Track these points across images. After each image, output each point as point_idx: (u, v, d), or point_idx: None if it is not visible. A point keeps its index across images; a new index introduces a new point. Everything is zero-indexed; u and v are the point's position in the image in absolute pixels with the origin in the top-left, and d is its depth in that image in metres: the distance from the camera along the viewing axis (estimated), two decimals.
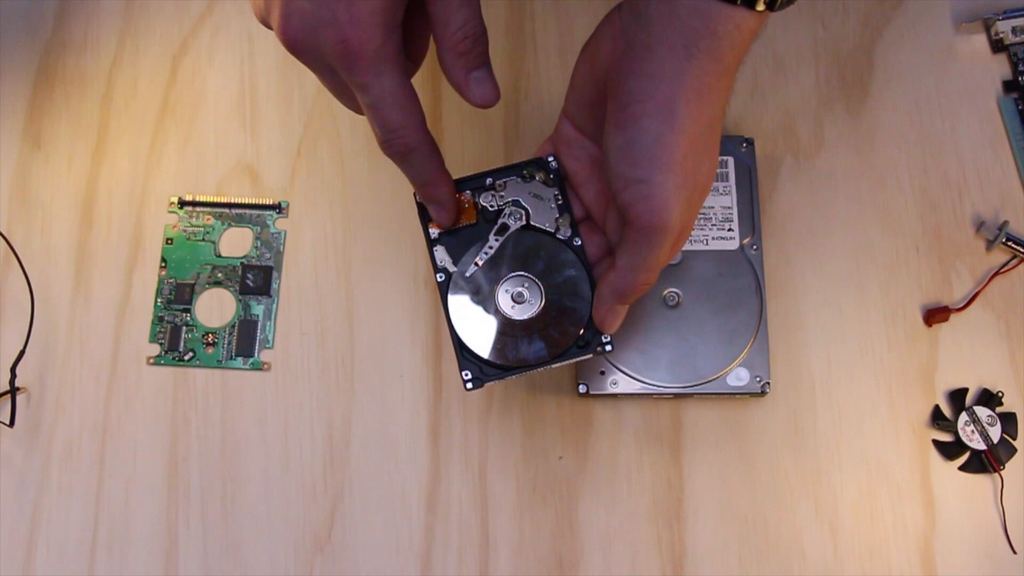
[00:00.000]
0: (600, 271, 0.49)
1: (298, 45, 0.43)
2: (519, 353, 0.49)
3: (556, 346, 0.48)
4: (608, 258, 0.49)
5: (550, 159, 0.50)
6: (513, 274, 0.49)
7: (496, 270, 0.49)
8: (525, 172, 0.50)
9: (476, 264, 0.50)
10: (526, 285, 0.49)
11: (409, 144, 0.46)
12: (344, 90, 0.46)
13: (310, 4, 0.42)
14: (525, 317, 0.49)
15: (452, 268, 0.50)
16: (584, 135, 0.49)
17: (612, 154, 0.45)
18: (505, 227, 0.50)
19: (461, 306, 0.49)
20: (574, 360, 0.49)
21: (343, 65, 0.43)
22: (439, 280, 0.49)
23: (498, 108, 0.61)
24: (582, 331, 0.48)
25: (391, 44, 0.43)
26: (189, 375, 0.58)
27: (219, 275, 0.60)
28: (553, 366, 0.49)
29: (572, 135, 0.49)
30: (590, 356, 0.49)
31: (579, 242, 0.49)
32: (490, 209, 0.50)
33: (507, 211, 0.50)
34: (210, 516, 0.55)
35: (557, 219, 0.50)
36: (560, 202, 0.50)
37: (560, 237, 0.49)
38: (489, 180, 0.50)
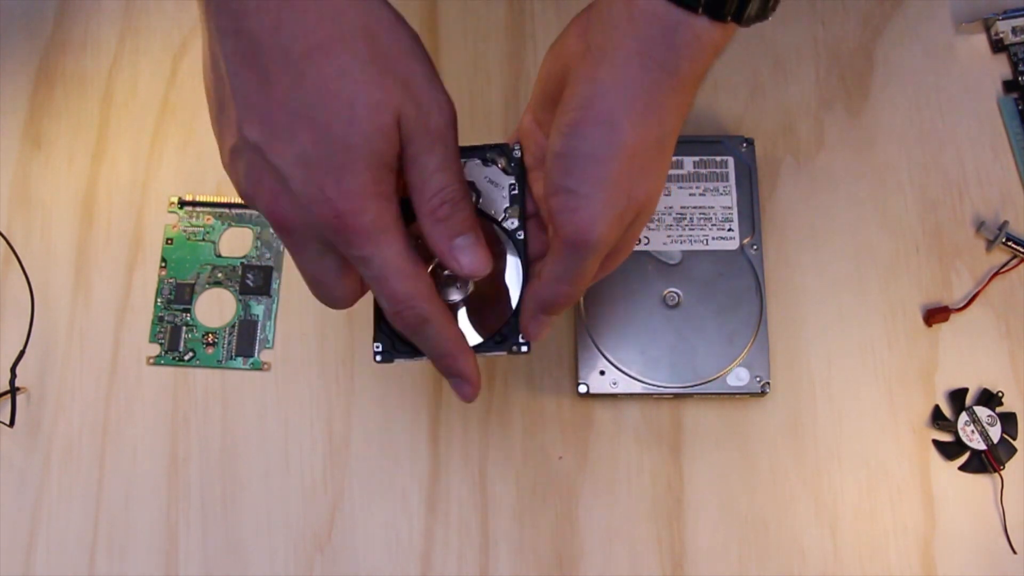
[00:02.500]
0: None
1: (289, 224, 0.41)
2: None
3: (473, 336, 0.47)
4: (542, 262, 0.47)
5: (515, 147, 0.48)
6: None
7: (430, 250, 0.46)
8: (488, 156, 0.48)
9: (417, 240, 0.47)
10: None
11: (420, 315, 0.43)
12: (336, 270, 0.43)
13: (297, 184, 0.40)
14: (449, 300, 0.47)
15: None
16: (541, 130, 0.47)
17: (549, 158, 0.42)
18: None
19: None
20: (487, 354, 0.47)
21: (341, 240, 0.41)
22: None
23: (498, 109, 0.61)
24: (502, 327, 0.47)
25: (388, 213, 0.41)
26: (189, 375, 0.58)
27: (219, 275, 0.60)
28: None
29: (531, 129, 0.48)
30: (503, 354, 0.47)
31: (522, 236, 0.47)
32: None
33: None
34: (210, 516, 0.55)
35: (506, 209, 0.47)
36: (514, 192, 0.47)
37: (505, 227, 0.47)
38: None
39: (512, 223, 0.47)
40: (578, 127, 0.41)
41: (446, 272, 0.46)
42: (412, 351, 0.47)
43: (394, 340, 0.47)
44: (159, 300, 0.59)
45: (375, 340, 0.47)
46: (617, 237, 0.43)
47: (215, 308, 0.59)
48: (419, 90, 0.42)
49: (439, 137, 0.42)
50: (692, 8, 0.39)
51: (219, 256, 0.60)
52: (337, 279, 0.43)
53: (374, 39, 0.41)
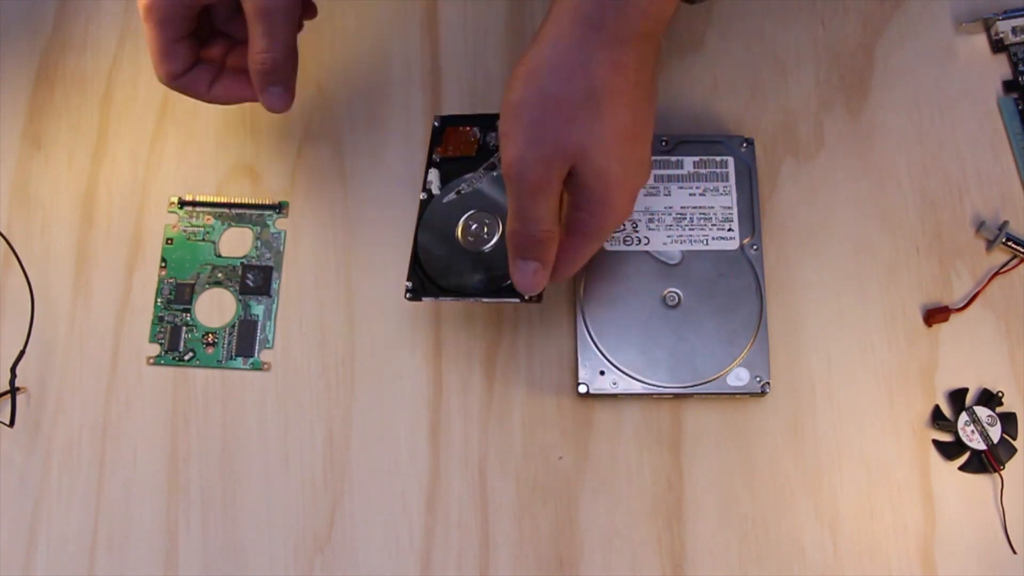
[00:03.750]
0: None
1: None
2: (461, 280, 0.52)
3: (492, 283, 0.51)
4: None
5: None
6: (476, 211, 0.53)
7: (468, 201, 0.53)
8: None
9: (456, 193, 0.54)
10: (487, 222, 0.52)
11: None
12: None
13: None
14: (477, 250, 0.52)
15: (436, 191, 0.54)
16: None
17: (502, 105, 0.47)
18: (492, 165, 0.54)
19: (430, 227, 0.53)
20: (502, 300, 0.51)
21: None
22: (422, 198, 0.54)
23: (498, 108, 0.61)
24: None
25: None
26: (189, 375, 0.58)
27: (219, 275, 0.60)
28: (483, 300, 0.52)
29: None
30: (517, 301, 0.51)
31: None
32: (489, 147, 0.54)
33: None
34: (210, 516, 0.55)
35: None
36: None
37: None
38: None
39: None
40: (511, 80, 0.47)
41: (468, 246, 0.53)
42: (437, 291, 0.52)
43: (425, 281, 0.53)
44: (159, 300, 0.59)
45: (408, 278, 0.53)
46: (547, 181, 0.46)
47: (215, 308, 0.59)
48: None
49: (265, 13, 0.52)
50: None
51: (219, 256, 0.60)
52: None
53: None
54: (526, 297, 0.50)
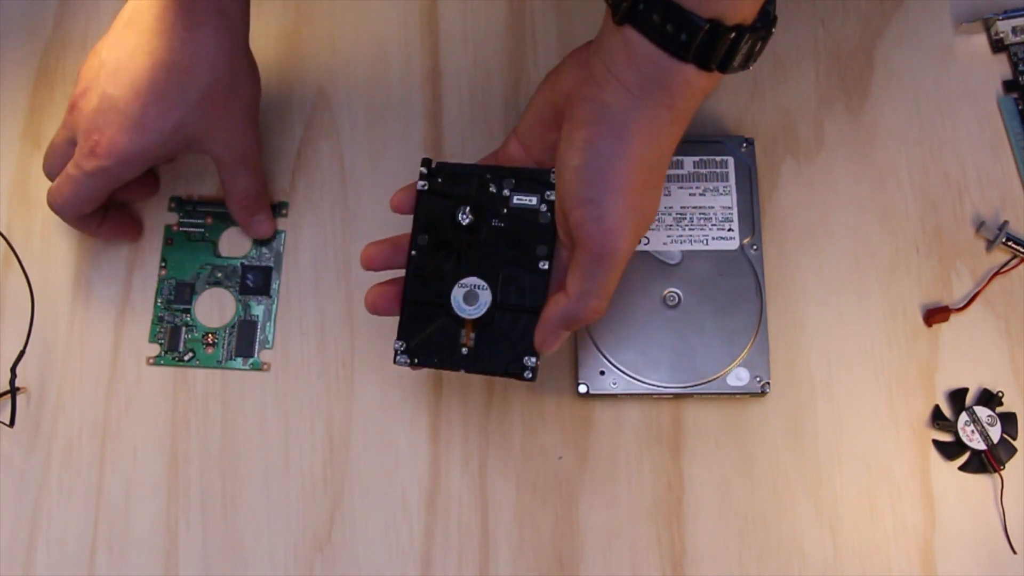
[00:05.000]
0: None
1: None
2: (449, 352, 0.49)
3: (481, 359, 0.49)
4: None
5: (552, 172, 0.49)
6: (472, 279, 0.50)
7: (461, 266, 0.50)
8: (522, 181, 0.50)
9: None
10: (481, 287, 0.49)
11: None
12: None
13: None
14: (469, 316, 0.49)
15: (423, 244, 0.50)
16: (529, 156, 0.51)
17: (567, 173, 0.46)
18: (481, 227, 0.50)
19: (420, 283, 0.50)
20: (492, 375, 0.50)
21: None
22: (412, 254, 0.50)
23: (498, 109, 0.62)
24: (513, 352, 0.49)
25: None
26: (189, 375, 0.58)
27: (219, 275, 0.60)
28: (471, 373, 0.50)
29: (518, 154, 0.51)
30: (507, 376, 0.49)
31: (546, 266, 0.49)
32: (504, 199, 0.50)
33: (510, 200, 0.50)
34: (210, 516, 0.55)
35: (538, 235, 0.50)
36: (546, 221, 0.50)
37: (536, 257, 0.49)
38: (488, 176, 0.50)
39: (542, 250, 0.49)
40: (593, 141, 0.45)
41: (461, 312, 0.49)
42: (427, 360, 0.49)
43: (420, 343, 0.49)
44: (159, 300, 0.59)
45: (398, 338, 0.50)
46: (633, 245, 0.46)
47: (215, 308, 0.59)
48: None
49: (243, 159, 0.57)
50: (682, 58, 0.43)
51: (219, 256, 0.60)
52: None
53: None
54: (527, 375, 0.49)
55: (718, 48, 0.43)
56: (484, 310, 0.49)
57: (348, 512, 0.55)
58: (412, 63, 0.63)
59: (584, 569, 0.54)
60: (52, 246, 0.60)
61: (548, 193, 0.49)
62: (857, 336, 0.57)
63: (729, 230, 0.56)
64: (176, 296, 0.59)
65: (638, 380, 0.54)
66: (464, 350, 0.49)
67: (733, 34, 0.43)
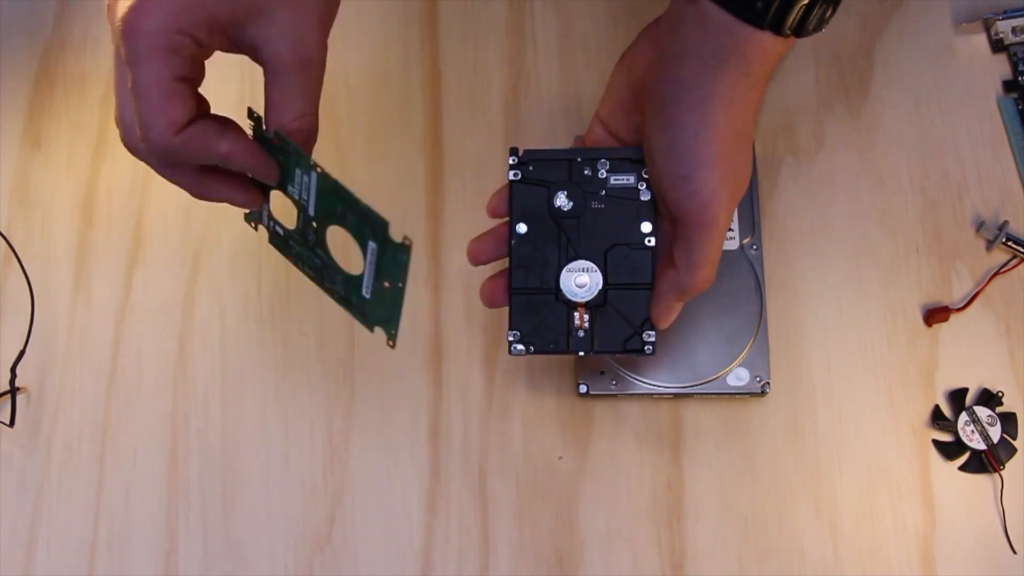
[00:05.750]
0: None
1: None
2: (565, 336, 0.49)
3: (599, 339, 0.49)
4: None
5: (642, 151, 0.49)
6: (580, 262, 0.49)
7: (566, 251, 0.49)
8: (618, 160, 0.50)
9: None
10: (590, 270, 0.49)
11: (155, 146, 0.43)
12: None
13: None
14: (581, 300, 0.49)
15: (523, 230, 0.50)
16: (616, 140, 0.51)
17: (656, 155, 0.47)
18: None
19: (525, 272, 0.49)
20: (611, 354, 0.50)
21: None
22: (513, 244, 0.49)
23: (498, 109, 0.61)
24: (630, 329, 0.49)
25: (171, 36, 0.41)
26: (189, 375, 0.58)
27: None
28: (592, 353, 0.49)
29: (604, 139, 0.51)
30: (626, 353, 0.49)
31: (652, 242, 0.49)
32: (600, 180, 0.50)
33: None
34: (210, 516, 0.55)
35: (636, 215, 0.50)
36: (646, 198, 0.50)
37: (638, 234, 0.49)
38: (579, 159, 0.50)
39: (646, 227, 0.49)
40: (675, 119, 0.46)
41: (571, 295, 0.49)
42: (543, 346, 0.49)
43: (534, 331, 0.49)
44: None
45: (511, 328, 0.49)
46: (730, 212, 0.47)
47: None
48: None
49: (303, 65, 0.45)
50: (757, 25, 0.44)
51: None
52: None
53: None
54: (646, 349, 0.49)
55: (792, 14, 0.43)
56: (596, 292, 0.49)
57: (348, 512, 0.55)
58: (412, 63, 0.63)
59: (584, 569, 0.54)
60: (52, 246, 0.60)
61: (644, 171, 0.49)
62: (857, 336, 0.57)
63: (729, 230, 0.56)
64: None
65: (638, 380, 0.54)
66: (580, 333, 0.49)
67: (807, 1, 0.43)
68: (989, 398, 0.55)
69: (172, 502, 0.56)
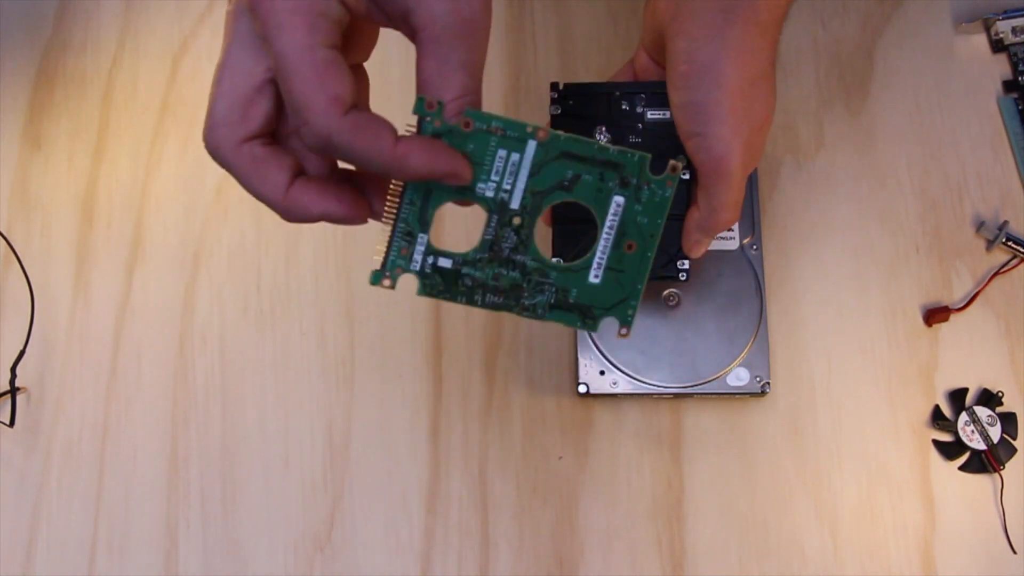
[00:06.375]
0: None
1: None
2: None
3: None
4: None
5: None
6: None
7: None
8: (651, 92, 0.50)
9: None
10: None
11: (318, 131, 0.35)
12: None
13: None
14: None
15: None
16: (660, 66, 0.51)
17: (673, 111, 0.48)
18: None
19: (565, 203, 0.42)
20: (649, 280, 0.47)
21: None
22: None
23: (498, 109, 0.61)
24: (665, 256, 0.50)
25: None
26: (189, 375, 0.58)
27: None
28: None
29: (649, 64, 0.52)
30: (662, 280, 0.50)
31: (687, 175, 0.49)
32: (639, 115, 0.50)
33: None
34: (210, 516, 0.55)
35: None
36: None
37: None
38: (618, 93, 0.50)
39: (682, 160, 0.46)
40: (688, 79, 0.46)
41: None
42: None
43: (574, 257, 0.43)
44: None
45: (553, 255, 0.47)
46: (751, 154, 0.48)
47: None
48: None
49: (468, 28, 0.37)
50: None
51: None
52: None
53: None
54: (679, 275, 0.50)
55: None
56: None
57: (348, 512, 0.55)
58: (412, 63, 0.63)
59: (584, 569, 0.54)
60: (52, 246, 0.60)
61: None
62: (857, 336, 0.57)
63: (729, 230, 0.56)
64: None
65: (638, 380, 0.54)
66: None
67: None
68: (989, 398, 0.55)
69: (172, 502, 0.56)
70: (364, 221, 0.38)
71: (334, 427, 0.57)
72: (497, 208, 0.40)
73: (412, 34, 0.37)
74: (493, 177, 0.39)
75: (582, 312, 0.42)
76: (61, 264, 0.60)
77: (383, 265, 0.39)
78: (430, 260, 0.40)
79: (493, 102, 0.61)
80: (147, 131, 0.62)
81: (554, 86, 0.51)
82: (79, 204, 0.61)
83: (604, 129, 0.50)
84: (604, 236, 0.41)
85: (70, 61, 0.63)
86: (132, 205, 0.61)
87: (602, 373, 0.55)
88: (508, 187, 0.39)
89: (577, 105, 0.51)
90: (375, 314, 0.58)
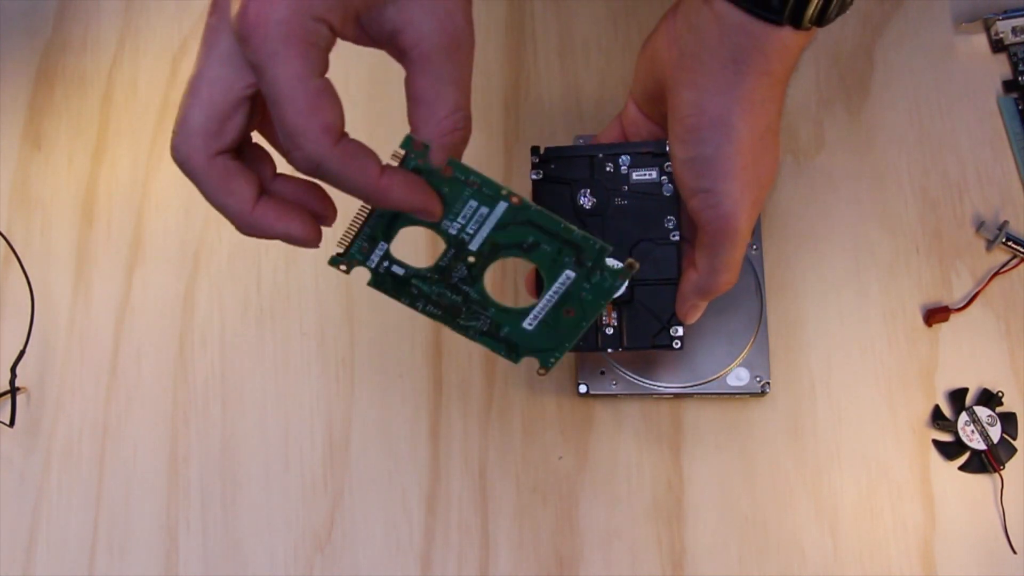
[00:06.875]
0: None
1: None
2: (593, 333, 0.49)
3: (627, 336, 0.49)
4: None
5: (666, 144, 0.48)
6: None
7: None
8: (642, 154, 0.50)
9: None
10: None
11: (311, 157, 0.36)
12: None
13: None
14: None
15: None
16: (651, 120, 0.50)
17: (677, 165, 0.46)
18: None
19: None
20: (640, 350, 0.49)
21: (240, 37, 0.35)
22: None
23: (498, 109, 0.61)
24: (658, 324, 0.49)
25: (305, 23, 0.35)
26: (189, 375, 0.58)
27: None
28: (618, 351, 0.50)
29: (639, 118, 0.51)
30: (655, 348, 0.49)
31: (677, 237, 0.49)
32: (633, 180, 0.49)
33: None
34: (210, 516, 0.55)
35: (664, 210, 0.49)
36: (669, 193, 0.49)
37: (667, 229, 0.49)
38: (601, 155, 0.50)
39: (670, 222, 0.49)
40: (697, 132, 0.45)
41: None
42: (582, 343, 0.48)
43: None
44: None
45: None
46: (755, 213, 0.46)
47: None
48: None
49: (454, 48, 0.38)
50: (775, 22, 0.42)
51: None
52: None
53: None
54: (672, 343, 0.49)
55: (812, 5, 0.42)
56: (623, 288, 0.47)
57: (348, 512, 0.55)
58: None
59: (584, 569, 0.54)
60: (52, 246, 0.60)
61: (667, 164, 0.49)
62: (857, 336, 0.57)
63: None
64: None
65: (638, 380, 0.54)
66: (609, 330, 0.49)
67: None
68: (989, 398, 0.55)
69: (172, 502, 0.56)
70: (317, 245, 0.40)
71: (334, 427, 0.57)
72: (455, 244, 0.42)
73: (400, 54, 0.38)
74: (459, 219, 0.41)
75: (508, 346, 0.45)
76: (61, 264, 0.60)
77: (344, 253, 0.42)
78: (385, 264, 0.43)
79: (493, 102, 0.61)
80: (147, 131, 0.62)
81: (535, 150, 0.50)
82: (79, 204, 0.61)
83: (588, 192, 0.49)
84: (547, 297, 0.43)
85: (70, 61, 0.64)
86: (132, 205, 0.61)
87: (602, 373, 0.55)
88: (471, 232, 0.42)
89: (559, 169, 0.50)
90: (375, 314, 0.58)
